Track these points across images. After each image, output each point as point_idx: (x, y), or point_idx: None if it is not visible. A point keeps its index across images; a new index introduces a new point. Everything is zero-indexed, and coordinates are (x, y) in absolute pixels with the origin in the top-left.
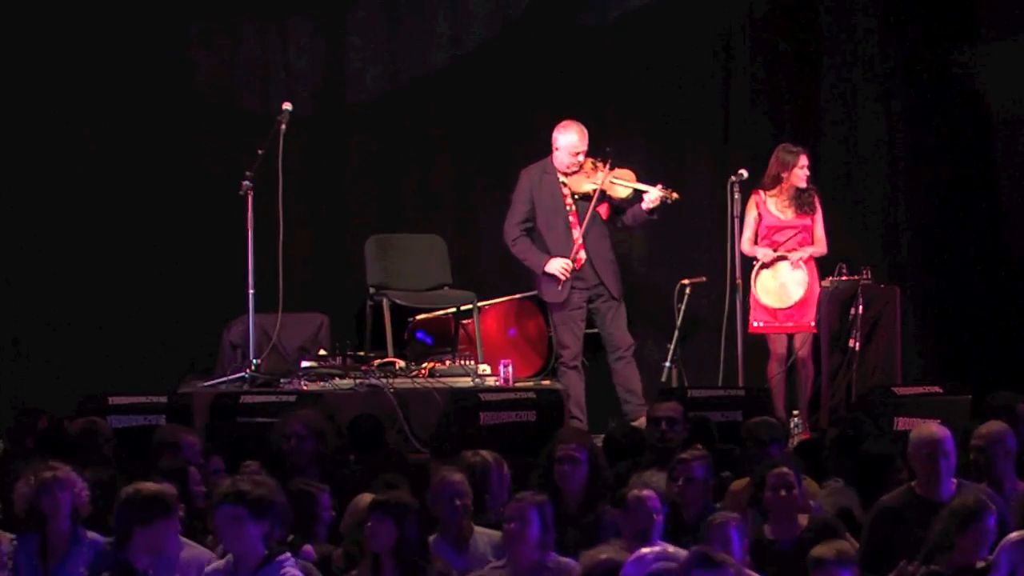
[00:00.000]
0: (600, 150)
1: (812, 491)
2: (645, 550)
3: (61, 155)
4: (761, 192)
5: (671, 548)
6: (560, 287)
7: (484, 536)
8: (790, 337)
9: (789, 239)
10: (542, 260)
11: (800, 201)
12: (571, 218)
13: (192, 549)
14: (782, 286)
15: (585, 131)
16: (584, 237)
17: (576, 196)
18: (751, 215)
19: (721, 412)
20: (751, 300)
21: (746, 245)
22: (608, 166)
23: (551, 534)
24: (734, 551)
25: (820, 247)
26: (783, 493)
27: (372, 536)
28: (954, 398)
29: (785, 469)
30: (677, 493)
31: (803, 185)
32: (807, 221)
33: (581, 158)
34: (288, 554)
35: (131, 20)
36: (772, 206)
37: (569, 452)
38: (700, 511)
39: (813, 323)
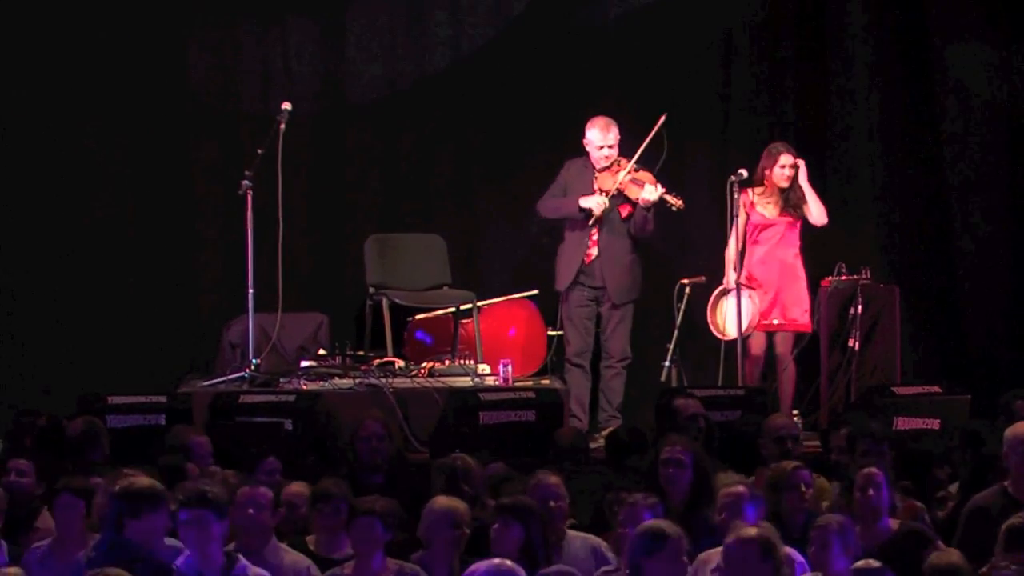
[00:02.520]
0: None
1: (823, 487)
2: (481, 563)
3: (61, 155)
4: (749, 191)
5: (508, 562)
6: (569, 258)
7: (578, 539)
8: (769, 336)
9: (775, 237)
10: (574, 199)
11: (786, 200)
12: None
13: (292, 555)
14: (733, 313)
15: (611, 125)
16: (600, 234)
17: (602, 193)
18: (739, 218)
19: (721, 412)
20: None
21: (730, 250)
22: (631, 167)
23: None
24: (833, 556)
25: (819, 218)
26: (870, 492)
27: (499, 539)
28: (953, 397)
29: (874, 470)
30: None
31: (784, 185)
32: (791, 219)
33: (607, 152)
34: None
35: (131, 20)
36: (759, 204)
37: (675, 455)
38: (806, 517)
39: (800, 321)
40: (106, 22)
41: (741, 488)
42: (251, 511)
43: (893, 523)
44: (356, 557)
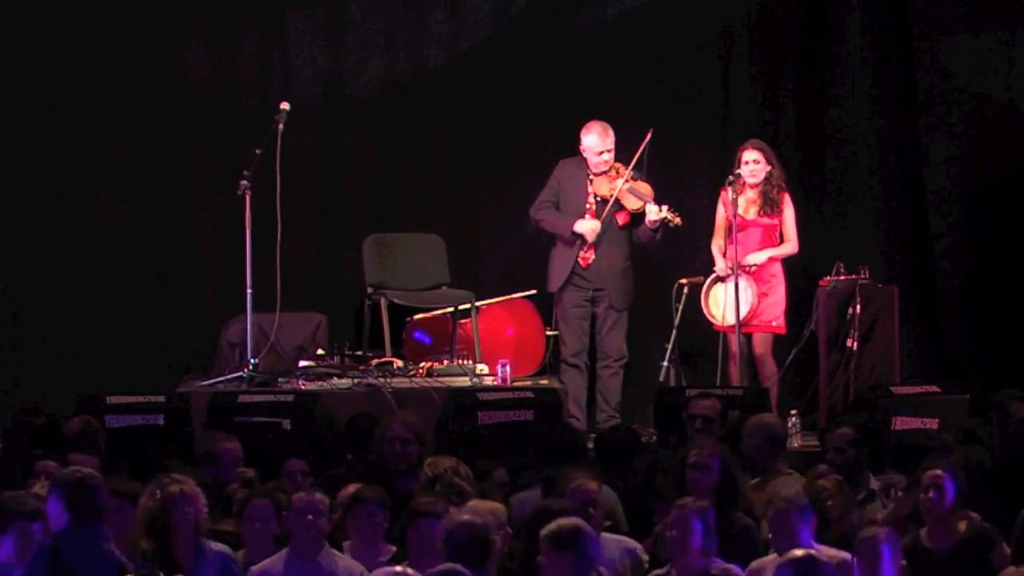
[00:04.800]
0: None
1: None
2: (379, 571)
3: (59, 154)
4: (728, 190)
5: (410, 571)
6: (575, 251)
7: (612, 541)
8: (749, 337)
9: (751, 240)
10: (569, 222)
11: (765, 200)
12: (588, 217)
13: (346, 560)
14: (732, 301)
15: (608, 131)
16: (597, 239)
17: (597, 197)
18: (718, 214)
19: None
20: (703, 307)
21: (714, 246)
22: (628, 175)
23: (714, 540)
24: (884, 566)
25: (788, 247)
26: (931, 495)
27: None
28: (952, 397)
29: (939, 471)
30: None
31: (752, 181)
32: (772, 221)
33: (606, 157)
34: None
35: (129, 18)
36: (739, 206)
37: (702, 458)
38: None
39: (775, 323)
40: (105, 20)
41: (790, 497)
42: (309, 517)
43: (961, 525)
44: (410, 558)
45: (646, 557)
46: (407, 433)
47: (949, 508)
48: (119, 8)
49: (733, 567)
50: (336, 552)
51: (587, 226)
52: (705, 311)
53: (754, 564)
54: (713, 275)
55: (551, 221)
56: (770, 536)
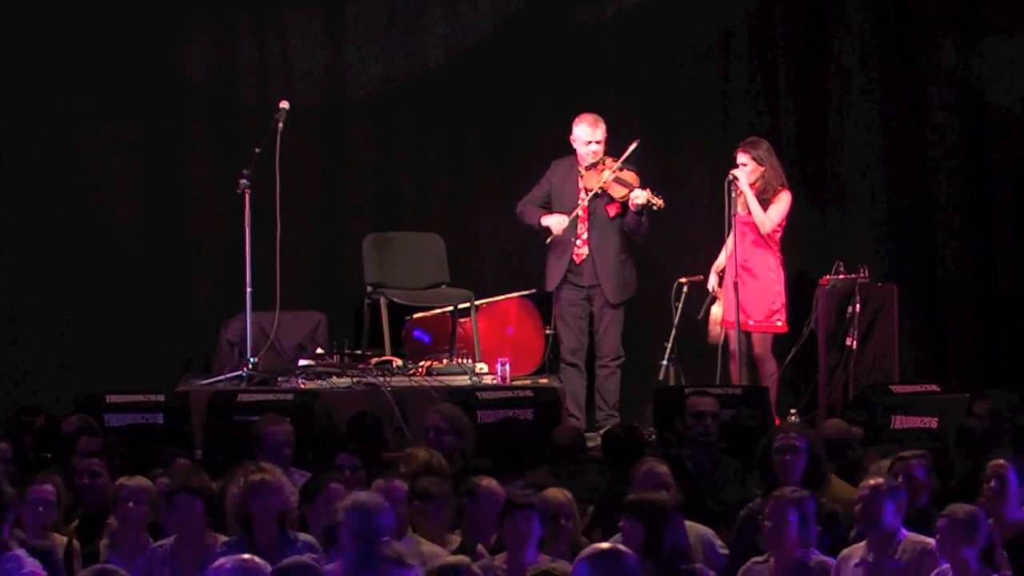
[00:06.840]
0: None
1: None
2: (224, 560)
3: (58, 153)
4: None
5: (257, 559)
6: (569, 250)
7: (692, 530)
8: (748, 336)
9: (746, 237)
10: (540, 215)
11: (759, 199)
12: (580, 212)
13: (429, 546)
14: (731, 302)
15: (599, 121)
16: (589, 234)
17: (588, 192)
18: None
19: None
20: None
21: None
22: (615, 165)
23: (813, 530)
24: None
25: (759, 216)
26: (993, 484)
27: (625, 537)
28: (951, 396)
29: (1001, 460)
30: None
31: (749, 181)
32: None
33: (594, 148)
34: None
35: (129, 17)
36: (736, 203)
37: (789, 441)
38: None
39: (777, 322)
40: (105, 18)
41: (880, 480)
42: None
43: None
44: (508, 550)
45: (719, 542)
46: (443, 423)
47: (1011, 498)
48: (119, 7)
49: (829, 559)
50: (419, 537)
51: (554, 220)
52: (710, 335)
53: (844, 552)
54: (709, 296)
55: (529, 214)
56: (857, 508)
